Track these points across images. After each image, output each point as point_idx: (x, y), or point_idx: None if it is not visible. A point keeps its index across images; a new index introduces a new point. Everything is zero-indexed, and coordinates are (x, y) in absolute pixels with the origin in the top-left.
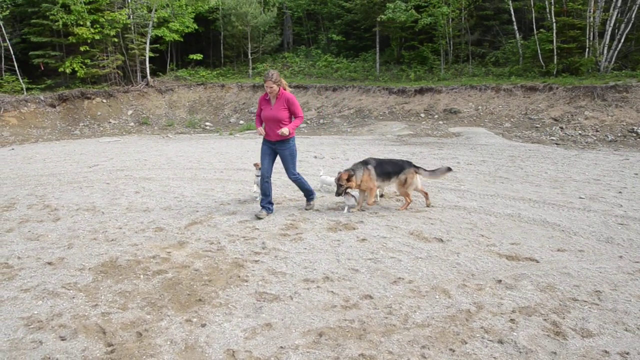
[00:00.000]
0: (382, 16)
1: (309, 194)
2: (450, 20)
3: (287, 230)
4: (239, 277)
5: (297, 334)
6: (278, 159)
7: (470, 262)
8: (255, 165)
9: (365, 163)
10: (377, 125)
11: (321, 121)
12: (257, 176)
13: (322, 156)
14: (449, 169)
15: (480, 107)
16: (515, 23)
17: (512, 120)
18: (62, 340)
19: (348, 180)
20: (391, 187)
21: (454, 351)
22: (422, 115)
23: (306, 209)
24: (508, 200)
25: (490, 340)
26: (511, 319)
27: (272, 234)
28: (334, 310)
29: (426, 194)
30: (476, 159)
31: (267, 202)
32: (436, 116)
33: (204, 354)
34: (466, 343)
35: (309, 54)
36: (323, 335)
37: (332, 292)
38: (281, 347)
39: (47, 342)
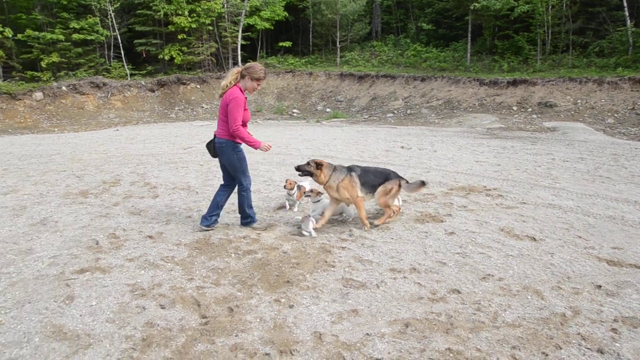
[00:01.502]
0: (476, 4)
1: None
2: (550, 7)
3: (375, 219)
4: (326, 262)
5: (383, 323)
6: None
7: (565, 264)
8: (288, 183)
9: (349, 169)
10: (466, 117)
11: (408, 111)
12: (290, 195)
13: (409, 147)
14: (423, 183)
15: (579, 101)
16: (626, 9)
17: (616, 115)
18: (162, 308)
19: (317, 167)
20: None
21: (547, 355)
22: (515, 108)
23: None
24: (609, 202)
25: (589, 349)
26: (613, 329)
27: (359, 221)
28: (421, 302)
29: (398, 208)
30: (573, 156)
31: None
32: (529, 109)
33: (291, 334)
34: (561, 348)
35: (397, 43)
36: (409, 326)
37: (418, 283)
38: (367, 334)
39: (149, 309)
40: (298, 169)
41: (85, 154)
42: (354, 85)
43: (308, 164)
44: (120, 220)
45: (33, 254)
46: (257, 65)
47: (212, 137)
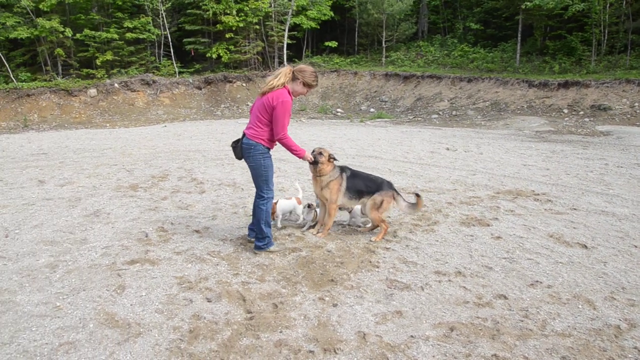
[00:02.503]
0: (527, 3)
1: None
2: (608, 5)
3: (419, 221)
4: (370, 262)
5: (427, 325)
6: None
7: (620, 274)
8: (310, 206)
9: (341, 169)
10: (513, 120)
11: (454, 113)
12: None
13: (454, 148)
14: (418, 196)
15: (636, 104)
16: None
17: None
18: (209, 301)
19: (330, 159)
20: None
21: None
22: (565, 111)
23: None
24: None
25: None
26: None
27: (403, 223)
28: (466, 306)
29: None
30: (628, 162)
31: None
32: (581, 112)
33: (335, 332)
34: None
35: (444, 43)
36: (454, 330)
37: (464, 287)
38: (411, 336)
39: (196, 302)
40: (314, 161)
41: (135, 149)
42: (398, 86)
43: (318, 156)
44: (168, 214)
45: (87, 243)
46: (309, 69)
47: (240, 136)
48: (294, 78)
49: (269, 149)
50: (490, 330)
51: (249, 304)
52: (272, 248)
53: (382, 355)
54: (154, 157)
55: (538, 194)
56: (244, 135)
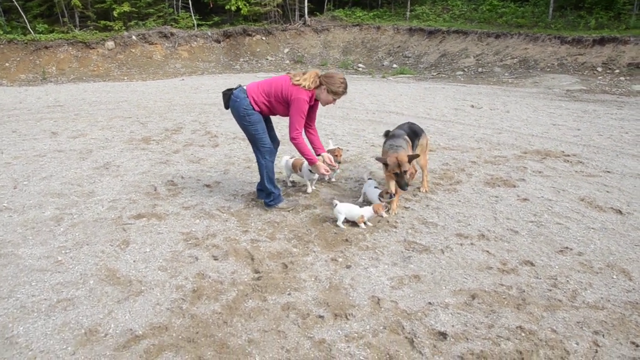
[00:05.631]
0: None
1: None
2: None
3: (441, 180)
4: (388, 222)
5: (447, 292)
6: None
7: None
8: (338, 150)
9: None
10: (543, 78)
11: (480, 70)
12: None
13: (479, 106)
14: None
15: None
16: None
17: None
18: (215, 259)
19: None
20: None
21: (637, 346)
22: (599, 69)
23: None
24: None
25: None
26: None
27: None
28: (489, 272)
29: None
30: None
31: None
32: (617, 71)
33: (347, 296)
34: None
35: None
36: (476, 298)
37: (487, 251)
38: (429, 302)
39: (202, 259)
40: (405, 184)
41: (150, 102)
42: (422, 41)
43: (402, 172)
44: (179, 168)
45: (94, 196)
46: (338, 76)
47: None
48: (320, 84)
49: (256, 111)
50: (515, 299)
51: (257, 264)
52: (281, 205)
53: (397, 323)
54: (169, 110)
55: (568, 155)
56: (239, 86)
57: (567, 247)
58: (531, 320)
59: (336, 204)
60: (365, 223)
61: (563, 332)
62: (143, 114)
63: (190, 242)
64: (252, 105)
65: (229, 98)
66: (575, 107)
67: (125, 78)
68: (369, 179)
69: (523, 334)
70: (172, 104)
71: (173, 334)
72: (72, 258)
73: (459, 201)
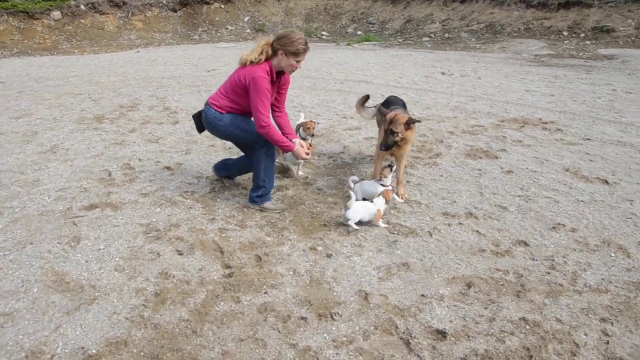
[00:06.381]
0: None
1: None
2: None
3: (420, 153)
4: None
5: (440, 281)
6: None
7: None
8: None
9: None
10: (510, 43)
11: (446, 35)
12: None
13: (450, 73)
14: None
15: None
16: None
17: None
18: (179, 254)
19: (409, 128)
20: None
21: None
22: (565, 33)
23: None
24: None
25: None
26: None
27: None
28: (483, 255)
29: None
30: (637, 87)
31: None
32: (582, 35)
33: (331, 292)
34: None
35: None
36: (472, 287)
37: (477, 232)
38: (422, 295)
39: (164, 255)
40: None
41: (103, 77)
42: (387, 7)
43: (393, 133)
44: (136, 149)
45: (40, 185)
46: (293, 35)
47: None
48: (274, 50)
49: (237, 114)
50: (513, 285)
51: (227, 257)
52: (267, 204)
53: (390, 322)
54: (123, 85)
55: (546, 122)
56: (207, 103)
57: (559, 224)
58: (534, 309)
59: (348, 210)
60: (382, 221)
61: (569, 321)
62: (95, 90)
63: (150, 234)
64: (218, 111)
65: (199, 118)
66: (545, 72)
67: (76, 51)
68: (353, 179)
69: (527, 327)
70: (127, 78)
71: (134, 349)
72: (12, 261)
73: (441, 176)
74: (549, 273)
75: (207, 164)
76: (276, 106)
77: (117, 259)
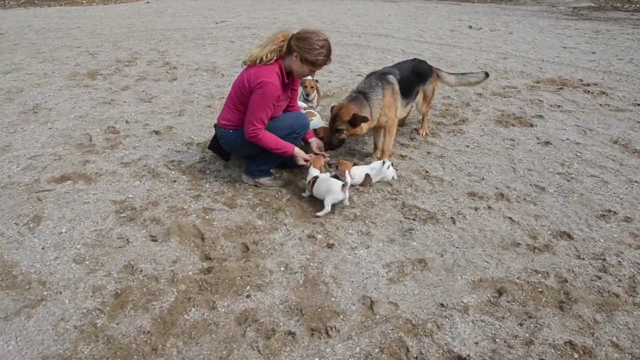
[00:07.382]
0: None
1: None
2: None
3: (443, 118)
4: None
5: (463, 284)
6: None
7: None
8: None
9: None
10: None
11: None
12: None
13: (478, 27)
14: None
15: None
16: None
17: None
18: (153, 240)
19: (356, 124)
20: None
21: None
22: None
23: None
24: None
25: None
26: None
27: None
28: (517, 251)
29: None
30: None
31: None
32: None
33: (329, 297)
34: None
35: None
36: (504, 294)
37: (510, 218)
38: (442, 304)
39: (135, 242)
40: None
41: (106, 29)
42: None
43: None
44: (125, 109)
45: (10, 152)
46: (316, 41)
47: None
48: (289, 49)
49: None
50: (555, 293)
51: (209, 246)
52: (263, 180)
53: (399, 343)
54: (125, 37)
55: (588, 84)
56: (217, 124)
57: (609, 210)
58: (583, 329)
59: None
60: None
61: (629, 348)
62: (95, 43)
63: (123, 214)
64: (235, 130)
65: (218, 146)
66: (585, 26)
67: (85, 2)
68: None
69: (576, 355)
70: (130, 30)
71: None
72: None
73: (467, 146)
74: (599, 277)
75: (200, 128)
76: (289, 105)
77: (78, 246)
